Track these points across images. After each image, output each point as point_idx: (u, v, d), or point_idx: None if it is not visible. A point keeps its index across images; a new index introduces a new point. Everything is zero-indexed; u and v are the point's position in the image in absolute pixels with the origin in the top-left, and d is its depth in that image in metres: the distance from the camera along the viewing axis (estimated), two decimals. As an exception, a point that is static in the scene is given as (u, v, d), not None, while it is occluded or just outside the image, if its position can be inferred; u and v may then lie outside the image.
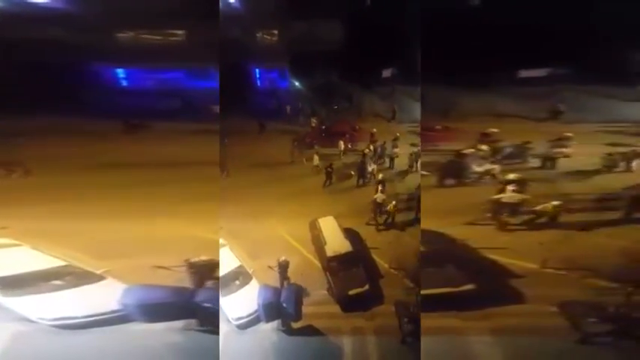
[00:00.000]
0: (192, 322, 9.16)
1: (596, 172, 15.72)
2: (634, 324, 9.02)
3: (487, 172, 15.69)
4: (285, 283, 11.21)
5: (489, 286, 10.45)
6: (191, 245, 11.01)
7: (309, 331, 9.87)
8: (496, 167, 15.76)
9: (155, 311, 8.55)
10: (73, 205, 12.84)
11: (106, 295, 9.15)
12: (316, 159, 17.72)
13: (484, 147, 16.75)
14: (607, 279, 10.02)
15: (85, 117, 18.59)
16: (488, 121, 20.32)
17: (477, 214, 13.20)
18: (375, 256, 12.61)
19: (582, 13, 21.62)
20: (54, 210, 12.40)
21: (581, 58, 22.05)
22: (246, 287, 10.51)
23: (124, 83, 23.98)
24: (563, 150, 16.64)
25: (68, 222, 11.96)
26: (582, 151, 16.72)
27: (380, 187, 14.61)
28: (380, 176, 15.68)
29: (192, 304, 8.68)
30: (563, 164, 16.41)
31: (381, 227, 13.98)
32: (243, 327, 9.85)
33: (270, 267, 9.51)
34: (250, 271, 11.17)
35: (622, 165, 15.63)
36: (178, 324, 9.11)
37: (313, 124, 21.83)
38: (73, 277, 9.80)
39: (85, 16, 19.98)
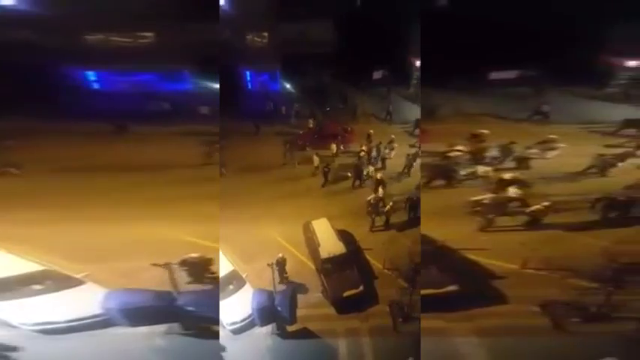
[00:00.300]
0: (175, 325, 9.16)
1: (579, 173, 16.03)
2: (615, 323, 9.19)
3: (475, 173, 15.86)
4: (284, 279, 11.49)
5: (472, 288, 10.58)
6: (171, 248, 11.00)
7: (304, 334, 9.88)
8: (484, 168, 15.93)
9: (137, 315, 8.50)
10: (50, 210, 12.74)
11: (86, 300, 9.13)
12: (316, 160, 17.69)
13: (462, 147, 16.91)
14: (588, 279, 10.20)
15: (62, 120, 18.75)
16: (471, 122, 20.99)
17: (459, 216, 13.34)
18: (369, 257, 12.66)
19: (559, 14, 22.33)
20: (31, 214, 12.28)
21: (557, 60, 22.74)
22: (240, 292, 10.45)
23: (97, 86, 24.37)
24: (536, 151, 16.97)
25: (46, 226, 11.91)
26: (564, 152, 17.10)
27: (380, 188, 14.67)
28: (378, 175, 15.72)
29: (174, 308, 8.63)
30: (543, 165, 16.64)
31: (375, 228, 14.00)
32: (237, 332, 9.81)
33: (268, 264, 9.54)
34: (244, 276, 11.11)
35: (601, 167, 15.93)
36: (161, 328, 9.11)
37: (311, 125, 21.77)
38: (52, 281, 9.73)
39: (54, 18, 19.96)
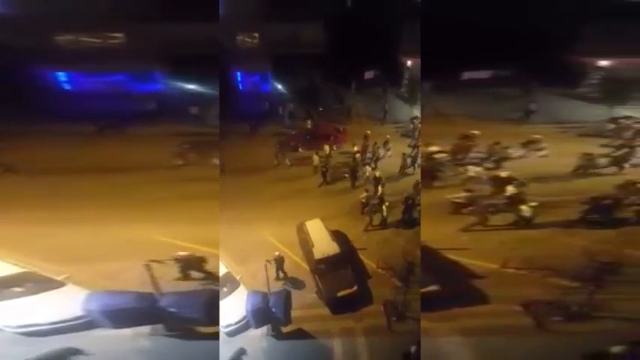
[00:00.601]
0: (159, 327, 9.15)
1: (566, 173, 16.24)
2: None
3: (465, 174, 15.96)
4: (282, 278, 11.64)
5: (453, 287, 10.74)
6: (152, 249, 10.79)
7: (299, 334, 9.90)
8: (475, 169, 16.06)
9: (119, 317, 8.48)
10: (29, 212, 12.62)
11: (68, 302, 9.08)
12: (316, 159, 17.71)
13: (441, 148, 16.97)
14: (569, 278, 10.39)
15: (37, 121, 18.58)
16: (449, 122, 21.52)
17: (441, 216, 13.57)
18: (362, 257, 12.72)
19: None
20: (10, 216, 12.16)
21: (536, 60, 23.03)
22: (235, 294, 10.41)
23: (69, 86, 24.31)
24: (510, 151, 17.17)
25: (25, 228, 11.82)
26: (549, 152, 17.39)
27: (380, 187, 14.77)
28: (377, 174, 15.84)
29: (156, 310, 8.61)
30: (527, 165, 16.82)
31: (371, 228, 14.04)
32: (232, 334, 9.77)
33: (267, 261, 9.64)
34: (238, 277, 11.06)
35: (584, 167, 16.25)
36: (145, 329, 9.09)
37: (309, 126, 21.71)
38: (33, 284, 9.69)
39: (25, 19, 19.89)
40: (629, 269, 9.78)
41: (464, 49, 22.37)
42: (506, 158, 16.89)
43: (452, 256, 11.93)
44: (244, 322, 9.68)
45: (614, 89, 22.34)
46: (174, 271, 10.77)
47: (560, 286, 10.38)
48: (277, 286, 10.73)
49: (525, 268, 11.22)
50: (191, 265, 11.05)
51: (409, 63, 28.76)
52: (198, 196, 13.67)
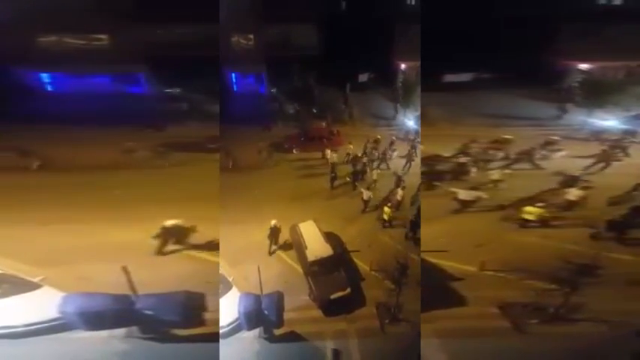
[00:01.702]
0: (134, 329, 9.01)
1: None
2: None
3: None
4: (274, 247, 12.60)
5: (431, 289, 10.73)
6: (129, 252, 10.81)
7: (292, 337, 9.84)
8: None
9: (95, 319, 8.38)
10: (4, 213, 12.30)
11: (43, 304, 8.97)
12: (333, 156, 18.00)
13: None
14: (545, 280, 10.52)
15: (15, 121, 18.02)
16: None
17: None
18: (355, 259, 12.73)
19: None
20: None
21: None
22: (227, 296, 10.32)
23: (50, 88, 24.27)
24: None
25: (1, 230, 11.55)
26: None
27: (400, 190, 15.10)
28: (375, 176, 16.09)
29: (133, 312, 8.52)
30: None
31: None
32: (224, 336, 9.66)
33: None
34: (230, 279, 10.98)
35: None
36: (121, 332, 8.97)
37: (303, 128, 21.73)
38: (8, 285, 9.51)
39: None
40: (604, 271, 9.97)
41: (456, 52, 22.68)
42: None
43: (430, 258, 12.04)
44: (236, 324, 9.60)
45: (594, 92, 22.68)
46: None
47: (537, 288, 10.49)
48: (270, 288, 10.67)
49: (503, 270, 11.34)
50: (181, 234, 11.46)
51: (403, 65, 29.00)
52: (187, 197, 13.55)
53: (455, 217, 14.08)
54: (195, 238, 12.09)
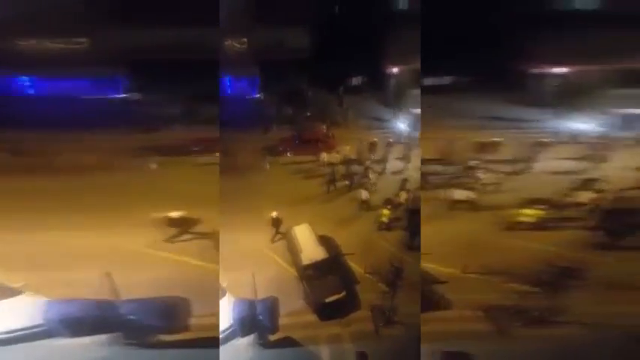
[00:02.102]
0: (119, 335, 8.92)
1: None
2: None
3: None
4: (277, 237, 13.33)
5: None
6: (111, 257, 10.92)
7: (287, 342, 9.76)
8: None
9: (77, 325, 8.31)
10: None
11: (25, 310, 8.89)
12: (337, 157, 18.20)
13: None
14: (528, 283, 10.53)
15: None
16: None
17: None
18: (350, 262, 12.70)
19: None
20: None
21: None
22: (220, 302, 10.21)
23: (31, 91, 24.38)
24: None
25: None
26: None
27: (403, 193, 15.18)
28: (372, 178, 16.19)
29: (115, 318, 8.46)
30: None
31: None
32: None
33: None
34: (224, 285, 10.87)
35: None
36: (103, 338, 8.86)
37: (297, 131, 21.69)
38: None
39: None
40: (587, 273, 10.02)
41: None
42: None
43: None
44: (230, 330, 9.49)
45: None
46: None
47: (520, 291, 10.51)
48: (264, 293, 10.59)
49: (486, 273, 11.34)
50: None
51: (395, 70, 29.10)
52: (182, 200, 13.48)
53: (442, 219, 14.16)
54: (191, 244, 11.99)
